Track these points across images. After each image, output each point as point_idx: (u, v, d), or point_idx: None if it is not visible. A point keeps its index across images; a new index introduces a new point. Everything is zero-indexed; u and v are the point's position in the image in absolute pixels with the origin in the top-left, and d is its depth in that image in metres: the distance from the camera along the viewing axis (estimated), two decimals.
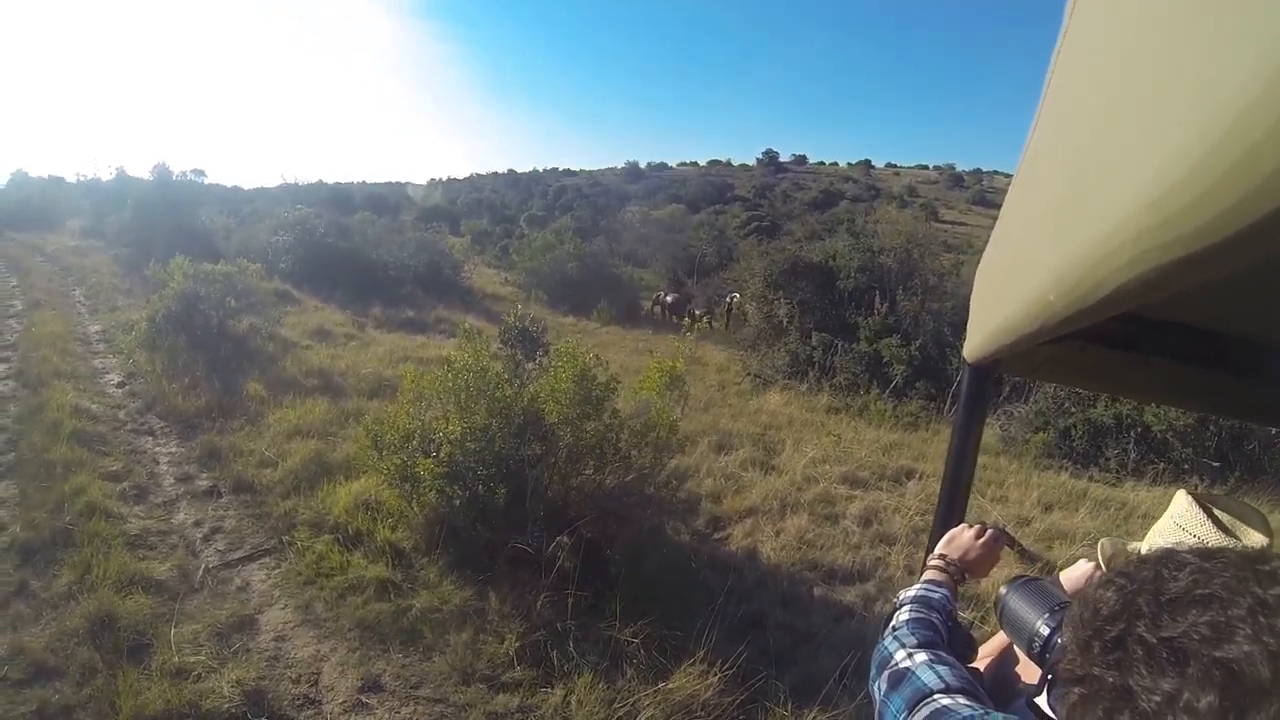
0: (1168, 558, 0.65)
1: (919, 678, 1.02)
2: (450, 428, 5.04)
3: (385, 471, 5.12)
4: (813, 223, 48.61)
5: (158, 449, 6.57)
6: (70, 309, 12.53)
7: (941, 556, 1.40)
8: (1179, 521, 1.16)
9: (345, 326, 12.92)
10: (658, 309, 21.14)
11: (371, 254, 18.44)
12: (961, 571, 1.38)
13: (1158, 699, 0.55)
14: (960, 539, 1.42)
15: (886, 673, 1.09)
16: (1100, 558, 1.29)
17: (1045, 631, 1.07)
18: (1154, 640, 0.58)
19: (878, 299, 13.90)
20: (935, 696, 0.97)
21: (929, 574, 1.38)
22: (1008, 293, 0.98)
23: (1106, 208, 0.52)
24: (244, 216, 22.61)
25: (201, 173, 20.97)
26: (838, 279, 14.93)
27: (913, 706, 0.97)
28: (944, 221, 50.50)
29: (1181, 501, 1.17)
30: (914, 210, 55.47)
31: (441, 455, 4.93)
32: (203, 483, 5.95)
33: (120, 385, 8.29)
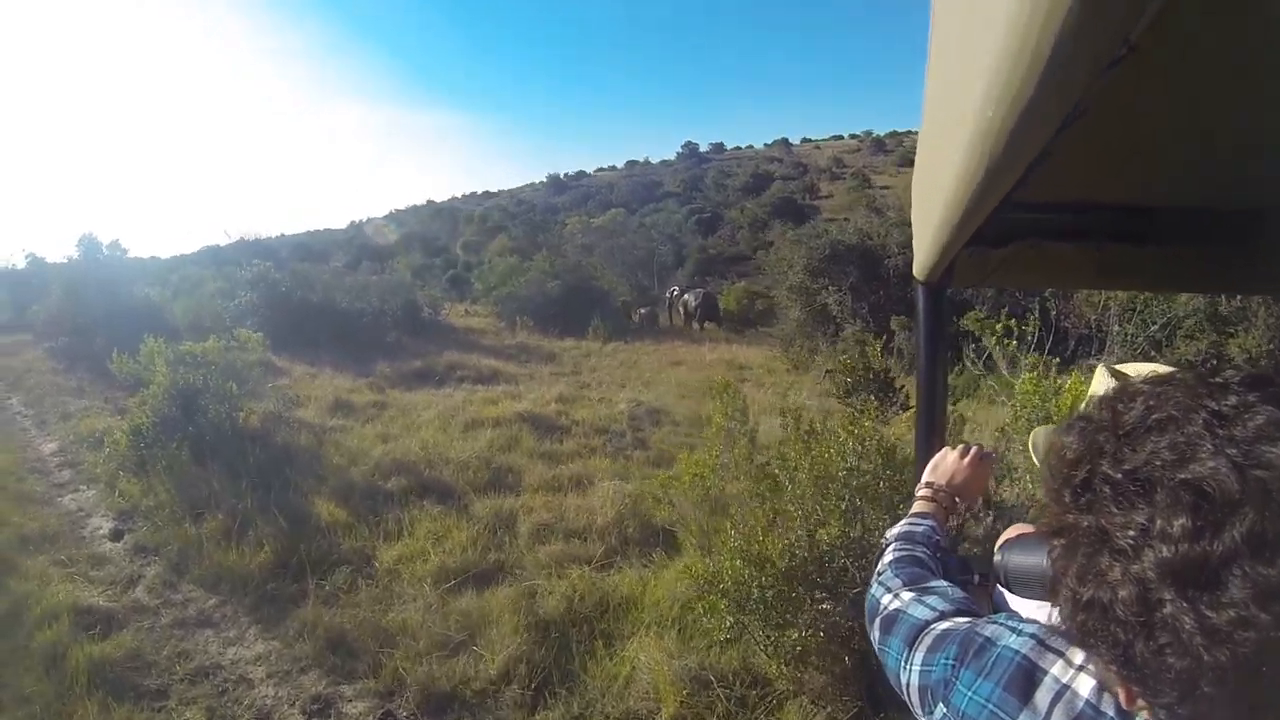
0: (1121, 392, 0.63)
1: (910, 615, 0.97)
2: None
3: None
4: (754, 208, 48.45)
5: (238, 655, 3.84)
6: (9, 424, 9.33)
7: (928, 485, 1.32)
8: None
9: (361, 393, 10.16)
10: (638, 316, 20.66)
11: (342, 304, 15.60)
12: (951, 496, 1.29)
13: (1132, 533, 0.53)
14: (945, 463, 1.33)
15: (878, 619, 1.03)
16: (1032, 452, 1.17)
17: None
18: (1118, 475, 0.56)
19: None
20: (931, 626, 0.91)
21: (916, 506, 1.30)
22: (939, 204, 0.99)
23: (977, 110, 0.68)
24: (176, 286, 19.25)
25: (121, 246, 17.11)
26: (884, 259, 14.23)
27: (911, 643, 0.92)
28: (879, 187, 50.04)
29: (1101, 376, 1.12)
30: (847, 181, 55.56)
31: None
32: (357, 708, 3.33)
33: (116, 536, 5.44)
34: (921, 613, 0.95)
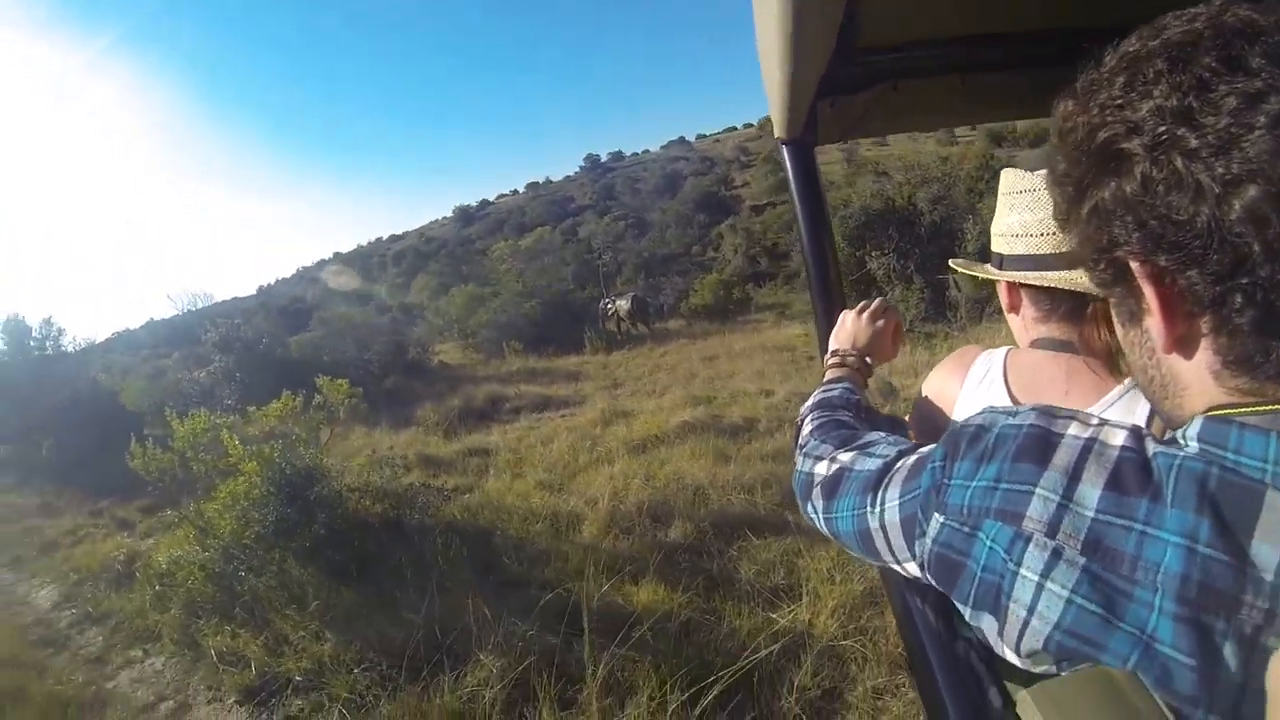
0: None
1: (860, 469, 0.78)
2: None
3: None
4: (676, 207, 47.77)
5: None
6: None
7: (834, 353, 1.19)
8: (1007, 190, 1.08)
9: (432, 444, 8.08)
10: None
11: (325, 356, 13.30)
12: (861, 358, 1.16)
13: (1120, 84, 0.50)
14: (845, 327, 1.21)
15: (816, 489, 0.84)
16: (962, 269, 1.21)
17: None
18: (1110, 64, 0.53)
19: (970, 223, 13.10)
20: (897, 464, 0.73)
21: (826, 376, 1.16)
22: (781, 57, 0.97)
23: None
24: (123, 367, 16.36)
25: (54, 325, 12.57)
26: (916, 218, 14.33)
27: (876, 487, 0.73)
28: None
29: (1008, 176, 1.08)
30: (758, 167, 55.38)
31: None
32: None
33: None
34: (874, 463, 0.76)
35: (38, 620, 5.20)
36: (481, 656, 3.01)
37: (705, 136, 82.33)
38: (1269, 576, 0.43)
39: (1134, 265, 0.51)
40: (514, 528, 4.69)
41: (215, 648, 3.88)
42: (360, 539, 4.32)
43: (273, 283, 64.14)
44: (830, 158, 47.26)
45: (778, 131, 1.35)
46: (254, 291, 60.33)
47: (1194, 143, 0.45)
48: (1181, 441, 0.51)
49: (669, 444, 6.16)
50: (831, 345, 1.21)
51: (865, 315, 1.20)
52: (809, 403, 1.07)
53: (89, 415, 9.95)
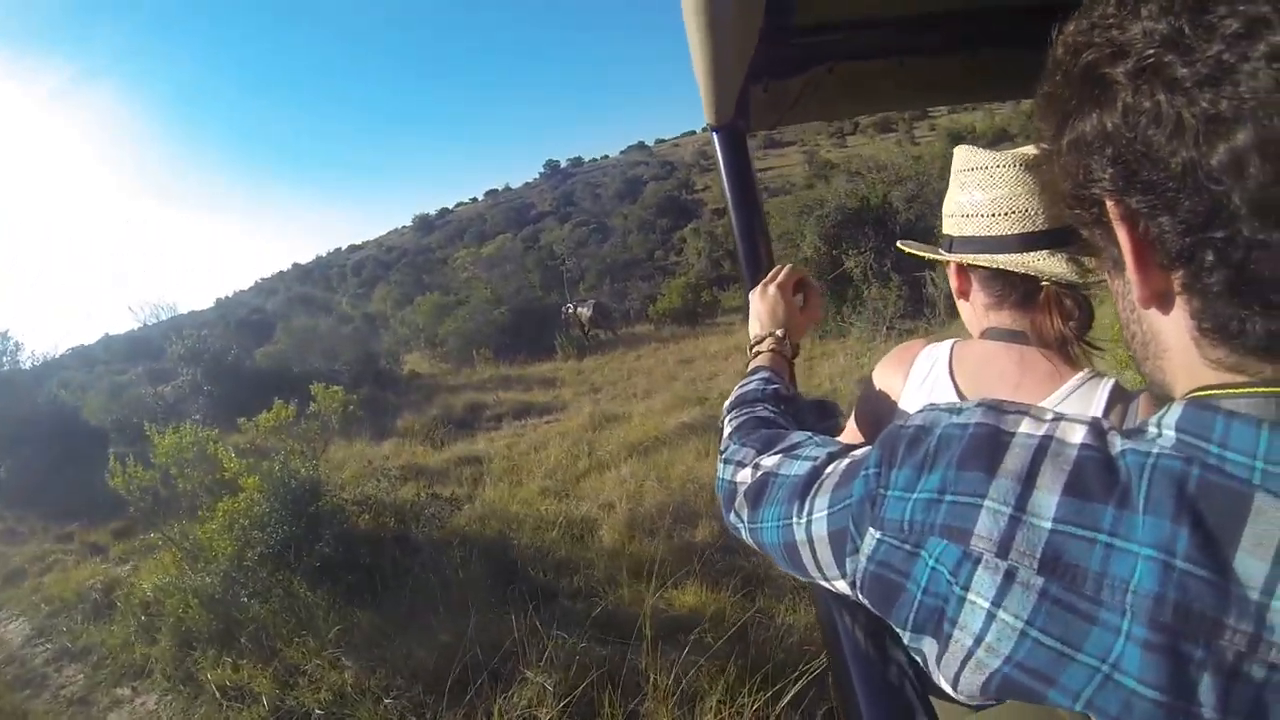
0: None
1: (787, 474, 0.71)
2: None
3: None
4: (639, 212, 47.97)
5: None
6: None
7: (751, 345, 1.13)
8: (960, 168, 1.03)
9: (418, 454, 7.84)
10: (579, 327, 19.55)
11: (295, 368, 12.95)
12: (776, 336, 1.09)
13: (1112, 8, 0.45)
14: (753, 310, 1.15)
15: (739, 497, 0.78)
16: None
17: None
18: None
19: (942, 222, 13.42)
20: (827, 470, 0.66)
21: (748, 368, 1.09)
22: (711, 37, 0.93)
23: None
24: (82, 384, 15.80)
25: (11, 339, 11.41)
26: (890, 217, 14.42)
27: (804, 494, 0.67)
28: (764, 170, 50.61)
29: (960, 153, 1.03)
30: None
31: None
32: None
33: None
34: (801, 467, 0.70)
35: (10, 657, 4.86)
36: (529, 674, 2.84)
37: (665, 141, 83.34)
38: (1254, 595, 0.38)
39: (1108, 204, 0.46)
40: (527, 536, 4.53)
41: (216, 682, 3.62)
42: (372, 555, 4.11)
43: (230, 295, 63.25)
44: (790, 160, 47.84)
45: (707, 117, 1.28)
46: (212, 304, 59.34)
47: (1181, 71, 0.39)
48: (1154, 431, 0.45)
49: (671, 445, 6.09)
50: (750, 335, 1.15)
51: (759, 289, 1.14)
52: (728, 401, 1.00)
53: (50, 434, 9.51)
